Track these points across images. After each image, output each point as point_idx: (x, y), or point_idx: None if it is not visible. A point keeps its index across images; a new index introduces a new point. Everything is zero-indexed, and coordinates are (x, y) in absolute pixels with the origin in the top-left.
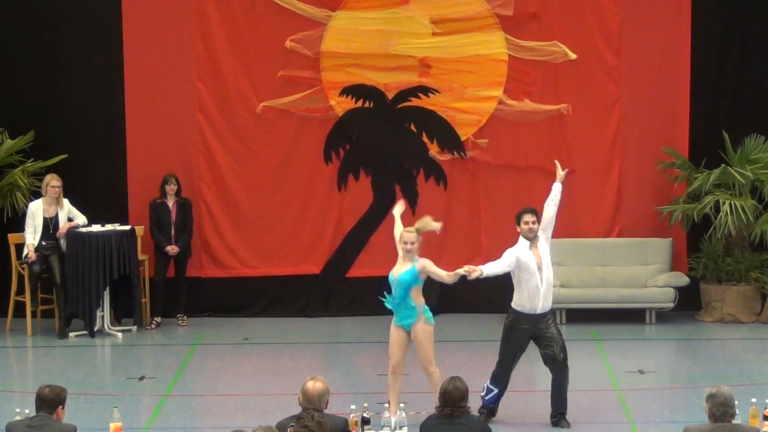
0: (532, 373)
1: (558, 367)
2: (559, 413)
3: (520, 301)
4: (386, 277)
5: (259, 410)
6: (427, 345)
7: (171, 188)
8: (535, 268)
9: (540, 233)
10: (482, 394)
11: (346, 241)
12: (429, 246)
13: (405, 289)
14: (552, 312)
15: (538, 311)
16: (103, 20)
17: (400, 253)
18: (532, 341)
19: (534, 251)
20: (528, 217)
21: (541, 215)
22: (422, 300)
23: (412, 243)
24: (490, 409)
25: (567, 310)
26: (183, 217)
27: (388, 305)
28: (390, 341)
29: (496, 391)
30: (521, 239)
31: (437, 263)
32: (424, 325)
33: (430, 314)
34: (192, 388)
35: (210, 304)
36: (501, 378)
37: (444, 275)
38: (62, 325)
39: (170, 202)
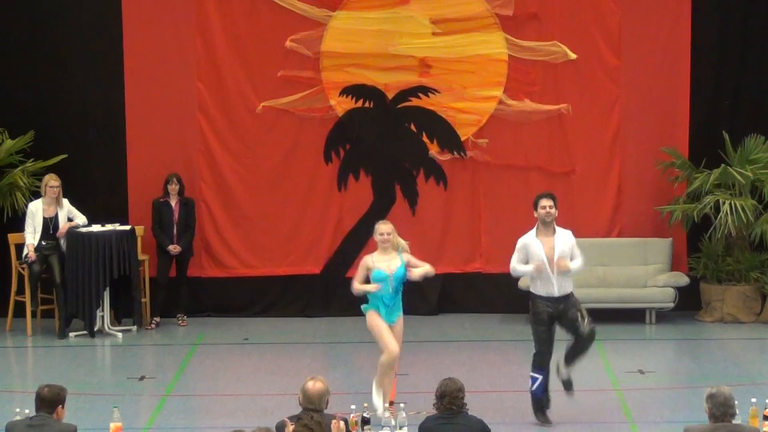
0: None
1: (582, 338)
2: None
3: (535, 286)
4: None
5: (259, 410)
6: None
7: (173, 188)
8: (541, 255)
9: (575, 247)
10: (529, 387)
11: (346, 241)
12: (430, 246)
13: (402, 283)
14: (572, 293)
15: (556, 294)
16: (103, 20)
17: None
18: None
19: (545, 240)
20: (545, 202)
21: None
22: None
23: (389, 234)
24: (539, 398)
25: None
26: (185, 217)
27: (376, 306)
28: (386, 333)
29: (540, 378)
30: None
31: (437, 264)
32: (401, 317)
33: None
34: (192, 388)
35: (210, 304)
36: (541, 364)
37: (428, 268)
38: (62, 325)
39: (173, 202)
